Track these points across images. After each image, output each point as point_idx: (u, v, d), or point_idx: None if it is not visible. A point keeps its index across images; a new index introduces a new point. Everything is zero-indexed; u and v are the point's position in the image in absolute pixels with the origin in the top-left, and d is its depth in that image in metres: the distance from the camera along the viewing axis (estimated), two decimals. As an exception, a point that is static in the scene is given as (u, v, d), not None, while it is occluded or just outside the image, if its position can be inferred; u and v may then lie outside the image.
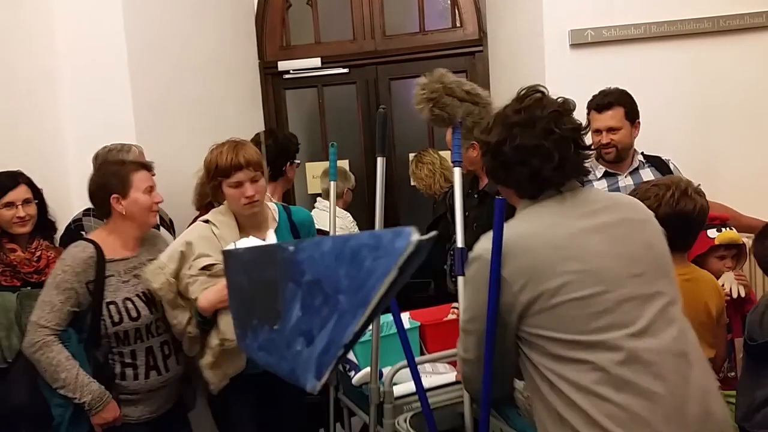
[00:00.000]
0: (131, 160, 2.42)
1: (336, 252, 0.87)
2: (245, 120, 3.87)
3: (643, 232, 1.43)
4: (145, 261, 2.18)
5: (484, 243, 1.37)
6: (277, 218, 2.30)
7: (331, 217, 2.63)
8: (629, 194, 1.84)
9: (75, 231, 2.56)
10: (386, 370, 1.92)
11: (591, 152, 1.50)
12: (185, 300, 2.07)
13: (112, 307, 2.07)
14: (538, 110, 1.41)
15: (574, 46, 2.98)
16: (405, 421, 1.85)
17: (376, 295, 0.82)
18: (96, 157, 2.66)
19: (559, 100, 1.45)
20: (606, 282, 1.31)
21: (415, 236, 0.81)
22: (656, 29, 2.94)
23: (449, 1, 4.27)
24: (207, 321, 2.05)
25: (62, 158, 2.52)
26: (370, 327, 1.84)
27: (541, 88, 1.47)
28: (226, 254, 1.18)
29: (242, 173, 2.06)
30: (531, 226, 1.39)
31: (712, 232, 2.30)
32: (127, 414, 2.11)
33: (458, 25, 4.25)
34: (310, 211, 3.85)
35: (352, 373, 2.14)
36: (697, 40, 2.95)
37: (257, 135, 2.64)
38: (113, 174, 2.16)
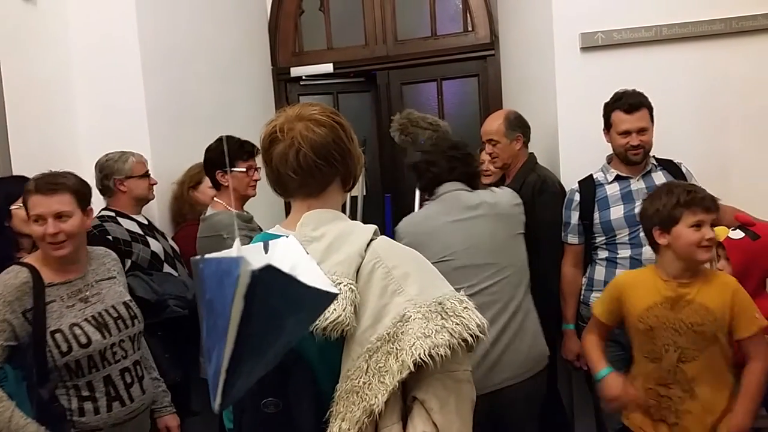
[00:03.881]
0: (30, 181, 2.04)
1: (218, 274, 0.81)
2: (258, 126, 3.88)
3: (491, 224, 2.30)
4: (92, 282, 2.02)
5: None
6: None
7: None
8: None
9: (101, 238, 2.42)
10: None
11: None
12: None
13: (57, 335, 1.85)
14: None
15: (584, 49, 2.96)
16: None
17: (232, 325, 0.77)
18: (97, 165, 2.65)
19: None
20: (447, 254, 2.23)
21: (246, 266, 0.74)
22: (667, 31, 2.91)
23: (461, 6, 4.28)
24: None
25: (77, 164, 2.51)
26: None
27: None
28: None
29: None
30: (418, 217, 2.43)
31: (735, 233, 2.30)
32: None
33: (470, 29, 4.24)
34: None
35: None
36: (709, 42, 2.91)
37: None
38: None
